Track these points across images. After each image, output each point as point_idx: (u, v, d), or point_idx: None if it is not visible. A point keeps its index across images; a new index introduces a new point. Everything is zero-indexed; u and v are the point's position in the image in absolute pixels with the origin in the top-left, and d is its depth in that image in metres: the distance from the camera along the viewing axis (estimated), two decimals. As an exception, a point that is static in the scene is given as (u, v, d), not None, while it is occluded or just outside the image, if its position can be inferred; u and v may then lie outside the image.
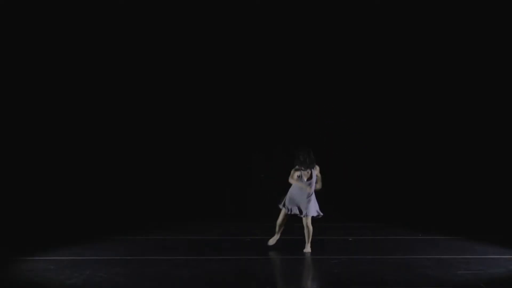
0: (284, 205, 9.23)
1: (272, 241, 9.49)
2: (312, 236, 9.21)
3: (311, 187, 9.09)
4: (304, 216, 9.15)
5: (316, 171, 9.17)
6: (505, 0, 12.48)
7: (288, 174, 9.18)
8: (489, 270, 7.71)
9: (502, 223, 11.79)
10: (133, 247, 9.73)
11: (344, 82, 13.59)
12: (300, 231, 9.40)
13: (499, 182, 12.71)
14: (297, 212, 9.17)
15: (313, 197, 9.23)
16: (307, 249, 9.27)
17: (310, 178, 9.09)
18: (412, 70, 13.40)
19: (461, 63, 13.11)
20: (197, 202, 13.27)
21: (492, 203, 12.63)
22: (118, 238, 10.55)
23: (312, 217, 9.23)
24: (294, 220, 9.56)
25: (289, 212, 9.20)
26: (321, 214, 9.29)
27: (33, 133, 12.75)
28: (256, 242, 9.52)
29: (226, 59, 13.39)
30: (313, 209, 9.21)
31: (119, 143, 13.18)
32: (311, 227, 9.23)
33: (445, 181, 13.17)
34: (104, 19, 12.95)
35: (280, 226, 9.40)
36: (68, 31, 12.91)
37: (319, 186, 9.23)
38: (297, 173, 9.12)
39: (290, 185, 9.19)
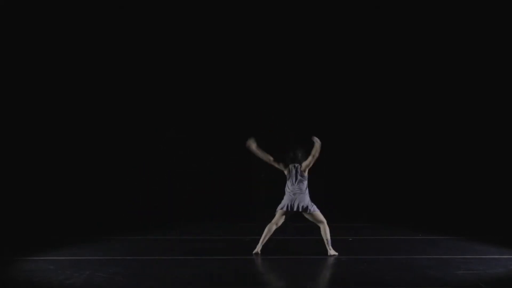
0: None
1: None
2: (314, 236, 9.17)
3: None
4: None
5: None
6: (505, 0, 12.49)
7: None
8: (489, 270, 7.70)
9: (502, 223, 11.79)
10: (133, 247, 9.73)
11: (344, 82, 13.61)
12: (295, 230, 9.37)
13: (499, 182, 12.73)
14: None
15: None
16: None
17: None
18: (413, 71, 13.42)
19: (461, 64, 13.12)
20: (197, 202, 13.28)
21: (492, 203, 12.64)
22: (118, 238, 10.55)
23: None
24: (293, 220, 9.54)
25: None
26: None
27: (33, 134, 12.76)
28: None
29: (225, 62, 13.45)
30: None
31: (119, 144, 13.21)
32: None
33: (445, 181, 13.19)
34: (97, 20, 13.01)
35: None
36: (66, 31, 12.95)
37: None
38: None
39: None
